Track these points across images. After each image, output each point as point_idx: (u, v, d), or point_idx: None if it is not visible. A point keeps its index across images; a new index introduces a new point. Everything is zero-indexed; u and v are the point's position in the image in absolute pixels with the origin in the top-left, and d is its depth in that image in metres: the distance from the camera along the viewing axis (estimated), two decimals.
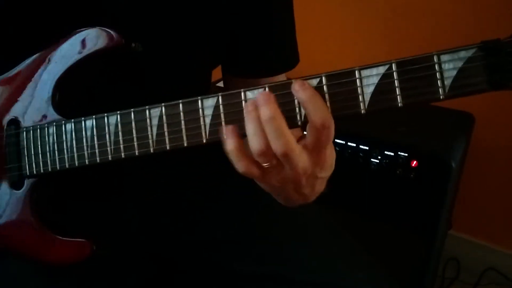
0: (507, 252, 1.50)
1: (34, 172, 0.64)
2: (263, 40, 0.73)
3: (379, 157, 1.15)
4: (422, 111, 1.18)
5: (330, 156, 0.53)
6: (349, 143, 1.18)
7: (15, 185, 0.65)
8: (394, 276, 0.74)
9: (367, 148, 1.17)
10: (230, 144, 0.50)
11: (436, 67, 0.46)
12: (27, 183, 0.65)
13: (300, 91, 0.49)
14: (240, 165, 0.51)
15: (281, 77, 0.76)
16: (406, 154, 1.12)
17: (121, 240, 0.72)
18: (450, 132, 1.18)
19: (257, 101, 0.50)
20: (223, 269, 0.76)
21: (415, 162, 1.12)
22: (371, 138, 1.17)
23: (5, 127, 0.66)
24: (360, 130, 1.17)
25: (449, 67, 0.46)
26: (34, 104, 0.65)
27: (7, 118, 0.66)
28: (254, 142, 0.49)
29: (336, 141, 1.20)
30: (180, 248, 0.76)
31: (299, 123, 0.51)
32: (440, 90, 0.46)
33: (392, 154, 1.14)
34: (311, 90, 0.49)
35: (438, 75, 0.46)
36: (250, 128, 0.50)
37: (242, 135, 0.51)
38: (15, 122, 0.66)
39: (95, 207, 0.73)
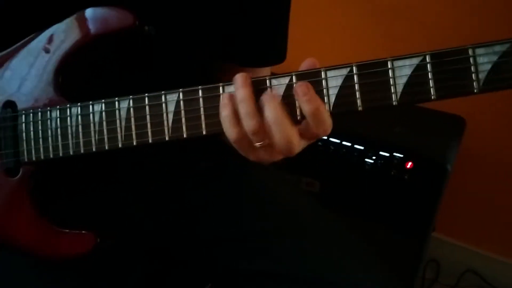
0: (486, 255, 1.52)
1: (33, 158, 0.61)
2: (254, 31, 0.71)
3: (374, 157, 1.15)
4: (416, 113, 1.20)
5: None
6: (344, 142, 1.18)
7: (10, 171, 0.62)
8: (385, 275, 0.73)
9: (362, 148, 1.16)
10: (225, 110, 0.51)
11: (471, 60, 0.46)
12: (23, 170, 0.61)
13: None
14: (233, 131, 0.51)
15: (265, 71, 0.75)
16: (402, 155, 1.13)
17: (123, 233, 0.69)
18: (444, 135, 1.20)
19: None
20: (223, 266, 0.74)
21: (410, 163, 1.12)
22: (367, 138, 1.17)
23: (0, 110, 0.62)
24: (355, 129, 1.17)
25: (483, 60, 0.45)
26: (34, 85, 0.61)
27: (1, 99, 0.62)
28: (248, 121, 0.50)
29: (331, 140, 1.20)
30: (181, 243, 0.74)
31: (299, 118, 0.51)
32: (474, 83, 0.46)
33: (387, 155, 1.14)
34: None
35: (473, 68, 0.46)
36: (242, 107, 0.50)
37: None
38: (11, 104, 0.62)
39: (97, 198, 0.69)
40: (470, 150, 1.34)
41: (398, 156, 1.13)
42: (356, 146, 1.17)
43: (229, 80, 0.52)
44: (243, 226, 0.74)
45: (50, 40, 0.60)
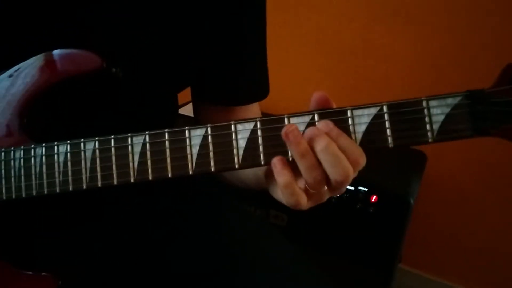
0: (451, 285, 1.56)
1: None
2: (233, 69, 0.73)
3: None
4: (380, 149, 1.23)
5: None
6: None
7: None
8: None
9: None
10: (284, 177, 0.50)
11: (425, 111, 0.48)
12: None
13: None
14: (293, 200, 0.50)
15: (252, 108, 0.76)
16: (366, 189, 1.16)
17: (90, 272, 0.67)
18: (407, 169, 1.24)
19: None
20: None
21: (374, 197, 1.15)
22: None
23: None
24: None
25: (437, 112, 0.48)
26: None
27: None
28: (309, 174, 0.49)
29: None
30: (153, 281, 0.72)
31: (290, 158, 0.51)
32: (428, 133, 0.48)
33: (353, 188, 1.17)
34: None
35: (427, 119, 0.48)
36: (304, 161, 0.49)
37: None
38: None
39: (60, 238, 0.68)
40: (431, 183, 1.39)
41: (363, 190, 1.16)
42: None
43: (217, 121, 0.53)
44: (209, 262, 0.74)
45: (15, 79, 0.60)
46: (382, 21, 1.38)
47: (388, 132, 0.49)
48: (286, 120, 0.51)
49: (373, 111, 0.49)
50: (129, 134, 0.55)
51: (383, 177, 1.18)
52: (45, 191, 0.57)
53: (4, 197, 0.59)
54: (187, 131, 0.53)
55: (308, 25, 1.50)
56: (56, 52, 0.58)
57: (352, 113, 0.50)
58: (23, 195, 0.58)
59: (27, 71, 0.60)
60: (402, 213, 1.14)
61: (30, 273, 0.59)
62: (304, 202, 0.52)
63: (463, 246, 1.50)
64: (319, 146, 0.48)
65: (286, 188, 0.50)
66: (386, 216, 1.15)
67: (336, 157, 0.48)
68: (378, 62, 1.42)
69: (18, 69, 0.60)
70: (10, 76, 0.61)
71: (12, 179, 0.58)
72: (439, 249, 1.54)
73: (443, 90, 0.50)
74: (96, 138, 0.56)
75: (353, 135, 0.50)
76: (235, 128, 0.52)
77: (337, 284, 0.75)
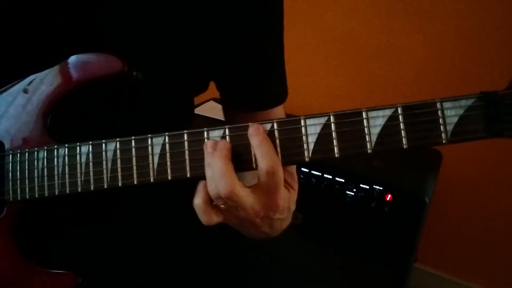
0: (467, 285, 1.55)
1: (19, 198, 0.61)
2: (253, 74, 0.73)
3: (355, 190, 1.18)
4: None
5: (284, 199, 0.54)
6: (325, 175, 1.21)
7: None
8: None
9: (343, 180, 1.19)
10: (198, 198, 0.53)
11: (439, 113, 0.49)
12: (7, 209, 0.62)
13: (253, 136, 0.52)
14: (203, 218, 0.54)
15: (277, 111, 0.77)
16: (381, 188, 1.16)
17: (107, 271, 0.69)
18: (422, 168, 1.23)
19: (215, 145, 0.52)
20: None
21: (389, 196, 1.15)
22: (347, 171, 1.20)
23: None
24: (336, 163, 1.20)
25: (451, 113, 0.49)
26: (22, 126, 0.62)
27: None
28: (210, 185, 0.52)
29: (312, 173, 1.22)
30: (169, 279, 0.74)
31: (254, 166, 0.52)
32: (443, 134, 0.49)
33: (367, 187, 1.17)
34: (262, 136, 0.51)
35: (441, 120, 0.49)
36: (207, 170, 0.52)
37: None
38: None
39: (81, 236, 0.70)
40: (447, 182, 1.38)
41: (378, 189, 1.16)
42: (337, 178, 1.20)
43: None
44: (225, 260, 0.75)
45: (40, 83, 0.62)
46: (397, 20, 1.37)
47: (403, 133, 0.50)
48: (302, 121, 0.52)
49: (388, 112, 0.50)
50: (149, 135, 0.56)
51: (398, 176, 1.18)
52: (67, 190, 0.59)
53: (27, 196, 0.61)
54: (205, 132, 0.55)
55: (322, 24, 1.50)
56: (78, 56, 0.60)
57: (367, 115, 0.50)
58: (46, 194, 0.60)
59: (49, 76, 0.62)
60: (418, 212, 1.14)
61: (51, 270, 0.61)
62: (214, 220, 0.54)
63: (479, 245, 1.49)
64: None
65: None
66: (401, 215, 1.15)
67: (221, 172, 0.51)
68: (392, 62, 1.41)
69: (42, 75, 0.62)
70: (36, 80, 0.63)
71: (35, 179, 0.60)
72: (455, 248, 1.53)
73: (457, 91, 0.50)
74: (117, 139, 0.57)
75: (367, 137, 0.50)
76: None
77: (351, 283, 0.75)
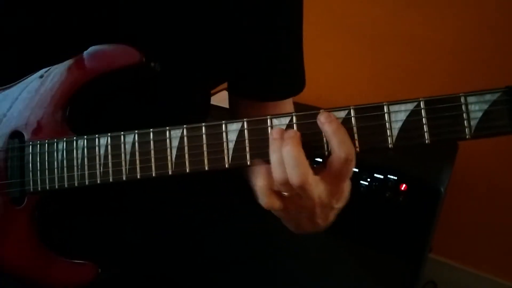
0: (483, 275, 1.55)
1: (39, 189, 0.62)
2: (269, 64, 0.73)
3: (369, 180, 1.17)
4: None
5: (347, 187, 0.54)
6: None
7: (16, 200, 0.63)
8: None
9: (357, 170, 1.18)
10: (260, 180, 0.52)
11: (463, 107, 0.48)
12: (28, 199, 0.62)
13: (326, 124, 0.51)
14: (265, 201, 0.53)
15: (287, 102, 0.77)
16: (396, 178, 1.15)
17: (125, 261, 0.70)
18: (437, 158, 1.22)
19: (283, 134, 0.51)
20: None
21: (404, 185, 1.14)
22: (361, 161, 1.18)
23: (7, 140, 0.63)
24: None
25: (475, 108, 0.48)
26: (41, 117, 0.62)
27: (9, 130, 0.63)
28: (277, 172, 0.51)
29: None
30: (185, 269, 0.75)
31: (326, 153, 0.52)
32: (466, 130, 0.48)
33: (382, 177, 1.16)
34: (336, 123, 0.50)
35: (464, 115, 0.48)
36: (274, 157, 0.51)
37: (267, 161, 0.52)
38: (18, 134, 0.63)
39: (98, 226, 0.70)
40: (462, 173, 1.36)
41: (392, 179, 1.16)
42: None
43: (251, 116, 0.54)
44: (243, 249, 0.75)
45: (58, 74, 0.62)
46: (419, 9, 1.34)
47: (425, 128, 0.49)
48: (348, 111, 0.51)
49: (410, 106, 0.49)
50: (167, 128, 0.56)
51: (413, 166, 1.17)
52: (87, 182, 0.60)
53: (47, 187, 0.61)
54: (223, 125, 0.54)
55: (343, 14, 1.48)
56: (96, 47, 0.60)
57: (388, 109, 0.50)
58: (66, 185, 0.61)
59: (68, 68, 0.62)
60: (433, 202, 1.13)
61: (72, 260, 0.62)
62: (277, 205, 0.54)
63: (495, 236, 1.47)
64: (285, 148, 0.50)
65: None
66: (416, 205, 1.14)
67: (295, 160, 0.50)
68: (414, 53, 1.38)
69: (61, 67, 0.62)
70: (44, 72, 0.62)
71: (55, 170, 0.61)
72: (470, 238, 1.52)
73: (481, 84, 0.49)
74: (136, 131, 0.58)
75: (389, 131, 0.50)
76: (271, 122, 0.53)
77: (365, 273, 0.75)
